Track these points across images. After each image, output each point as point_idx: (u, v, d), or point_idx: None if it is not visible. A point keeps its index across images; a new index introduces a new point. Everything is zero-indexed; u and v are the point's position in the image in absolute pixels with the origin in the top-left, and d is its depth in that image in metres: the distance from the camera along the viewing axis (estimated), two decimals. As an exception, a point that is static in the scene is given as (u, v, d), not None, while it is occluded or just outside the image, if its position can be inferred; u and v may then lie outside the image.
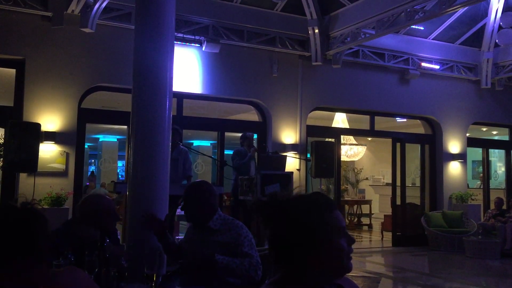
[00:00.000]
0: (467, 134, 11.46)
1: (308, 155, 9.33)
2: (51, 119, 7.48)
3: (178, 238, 7.06)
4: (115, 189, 6.85)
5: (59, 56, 7.62)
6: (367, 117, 10.76)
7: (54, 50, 7.59)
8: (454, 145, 11.11)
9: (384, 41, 9.83)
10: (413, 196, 11.14)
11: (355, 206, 13.64)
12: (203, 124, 9.81)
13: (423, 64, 10.53)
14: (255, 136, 9.82)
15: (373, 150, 16.38)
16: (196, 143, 17.82)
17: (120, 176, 17.99)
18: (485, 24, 10.42)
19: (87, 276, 1.68)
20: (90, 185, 13.92)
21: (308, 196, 1.48)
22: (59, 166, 7.49)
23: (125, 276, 2.81)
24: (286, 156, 7.89)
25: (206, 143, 18.21)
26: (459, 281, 7.44)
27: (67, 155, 7.56)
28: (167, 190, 4.42)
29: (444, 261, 9.12)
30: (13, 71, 7.62)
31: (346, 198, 13.25)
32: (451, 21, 10.15)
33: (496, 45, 10.69)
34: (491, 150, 12.91)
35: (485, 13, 10.18)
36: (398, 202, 10.61)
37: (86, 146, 9.14)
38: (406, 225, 10.57)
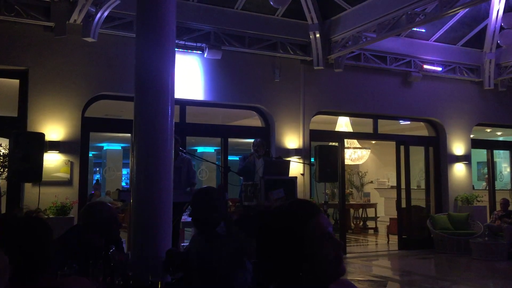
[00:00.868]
0: (471, 136, 11.42)
1: (312, 160, 9.31)
2: (55, 129, 7.51)
3: (183, 245, 7.07)
4: (119, 197, 6.89)
5: (62, 66, 7.66)
6: (370, 120, 10.75)
7: (57, 60, 7.63)
8: (458, 147, 11.07)
9: (385, 44, 9.83)
10: (418, 199, 11.09)
11: (360, 210, 13.60)
12: (206, 131, 9.82)
13: (425, 66, 10.52)
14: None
15: (377, 153, 16.34)
16: (200, 149, 17.84)
17: (124, 184, 18.02)
18: (486, 25, 10.41)
19: (92, 286, 1.69)
20: (95, 193, 13.95)
21: (289, 205, 1.47)
22: (64, 175, 7.52)
23: (129, 284, 2.81)
24: (289, 161, 7.88)
25: (210, 150, 18.23)
26: (466, 283, 7.40)
27: (72, 164, 7.59)
28: (171, 197, 4.43)
29: (451, 263, 9.07)
30: (16, 81, 7.67)
31: (351, 202, 13.21)
32: (452, 23, 10.14)
33: (498, 46, 10.67)
34: (495, 151, 12.85)
35: (486, 14, 10.17)
36: (404, 205, 10.57)
37: (90, 155, 9.16)
38: (412, 228, 10.53)
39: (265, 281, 1.44)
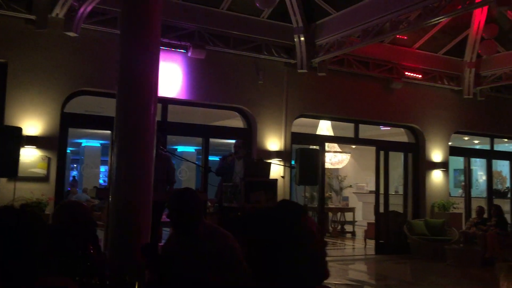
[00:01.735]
0: (449, 143, 11.59)
1: (293, 162, 9.33)
2: (33, 123, 7.37)
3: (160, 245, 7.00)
4: (97, 195, 6.78)
5: (42, 60, 7.52)
6: (351, 125, 10.82)
7: (37, 54, 7.49)
8: (436, 154, 11.23)
9: (369, 50, 9.91)
10: (396, 204, 11.20)
11: (339, 214, 13.68)
12: (187, 130, 9.76)
13: (407, 73, 10.64)
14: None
15: (357, 157, 16.46)
16: (180, 148, 17.73)
17: (102, 181, 17.81)
18: (467, 35, 10.58)
19: (75, 285, 1.64)
20: (72, 190, 13.75)
21: (275, 207, 1.47)
22: (41, 171, 7.38)
23: (106, 284, 2.76)
24: (270, 163, 7.88)
25: (191, 149, 18.14)
26: (441, 289, 7.50)
27: (49, 160, 7.45)
28: (151, 196, 4.38)
29: (426, 269, 9.18)
30: (-6, 74, 7.51)
31: (329, 206, 13.27)
32: (434, 32, 10.28)
33: (479, 55, 10.85)
34: (472, 159, 13.07)
35: (468, 24, 10.33)
36: (382, 210, 10.67)
37: (68, 151, 9.01)
38: (389, 233, 10.63)
39: (254, 282, 1.43)
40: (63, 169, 7.95)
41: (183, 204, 3.12)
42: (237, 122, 9.82)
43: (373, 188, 11.46)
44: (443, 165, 11.22)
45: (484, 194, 12.79)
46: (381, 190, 10.73)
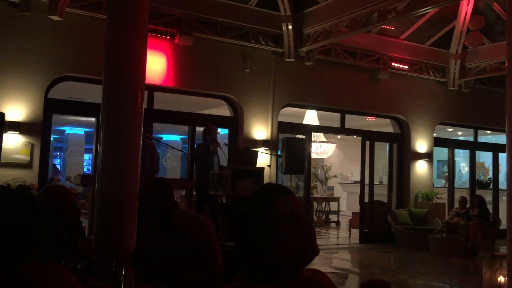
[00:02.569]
0: (434, 134, 11.70)
1: (279, 152, 9.33)
2: (15, 109, 7.23)
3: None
4: (82, 182, 6.69)
5: (25, 44, 7.36)
6: (338, 115, 10.84)
7: (20, 38, 7.33)
8: (421, 145, 11.33)
9: (356, 40, 9.92)
10: (381, 194, 11.30)
11: (324, 203, 13.77)
12: (173, 118, 9.66)
13: (393, 64, 10.68)
14: (227, 131, 9.78)
15: (342, 148, 16.56)
16: (165, 137, 17.60)
17: (86, 170, 17.62)
18: (454, 27, 10.64)
19: (68, 273, 1.60)
20: (55, 178, 13.59)
21: (257, 189, 1.47)
22: (23, 157, 7.25)
23: (93, 270, 2.73)
24: (257, 151, 7.86)
25: (176, 138, 18.03)
26: (423, 277, 7.60)
27: (32, 146, 7.33)
28: (137, 183, 4.33)
29: (409, 258, 9.30)
30: (-24, 58, 7.33)
31: (315, 195, 13.34)
32: (421, 23, 10.32)
33: (465, 47, 10.93)
34: (456, 150, 13.22)
35: (454, 16, 10.39)
36: (366, 199, 10.75)
37: (51, 138, 8.87)
38: (373, 222, 10.73)
39: (240, 268, 1.41)
40: (47, 155, 7.83)
41: (156, 192, 3.07)
42: (223, 111, 9.77)
43: (358, 179, 11.53)
44: (428, 156, 11.34)
45: (467, 185, 12.96)
46: (366, 180, 10.80)
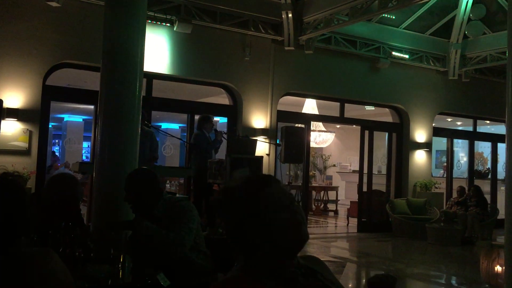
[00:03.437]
0: (433, 124, 11.68)
1: (278, 140, 9.32)
2: (14, 95, 7.20)
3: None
4: (80, 169, 6.68)
5: (23, 31, 7.31)
6: (337, 104, 10.81)
7: (18, 24, 7.27)
8: (420, 134, 11.32)
9: (356, 29, 9.86)
10: (379, 184, 11.32)
11: (322, 192, 13.78)
12: (172, 106, 9.64)
13: (394, 53, 10.63)
14: (226, 120, 9.76)
15: (341, 137, 16.55)
16: (164, 125, 17.57)
17: (85, 158, 17.61)
18: (455, 16, 10.58)
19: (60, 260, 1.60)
20: (54, 165, 13.58)
21: (244, 178, 1.47)
22: (22, 144, 7.24)
23: (90, 256, 2.73)
24: (256, 140, 7.85)
25: (175, 126, 17.99)
26: (421, 266, 7.64)
27: (30, 133, 7.31)
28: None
29: (407, 247, 9.33)
30: (-27, 44, 7.28)
31: (313, 184, 13.36)
32: (422, 12, 10.25)
33: (465, 36, 10.88)
34: (455, 140, 13.22)
35: (455, 5, 10.32)
36: (365, 189, 10.77)
37: (50, 126, 8.85)
38: (371, 211, 10.76)
39: (237, 257, 1.42)
40: (46, 142, 7.82)
41: (140, 184, 3.06)
42: (223, 99, 9.74)
43: (356, 168, 11.53)
44: (427, 146, 11.33)
45: (465, 175, 12.98)
46: (365, 170, 10.81)
